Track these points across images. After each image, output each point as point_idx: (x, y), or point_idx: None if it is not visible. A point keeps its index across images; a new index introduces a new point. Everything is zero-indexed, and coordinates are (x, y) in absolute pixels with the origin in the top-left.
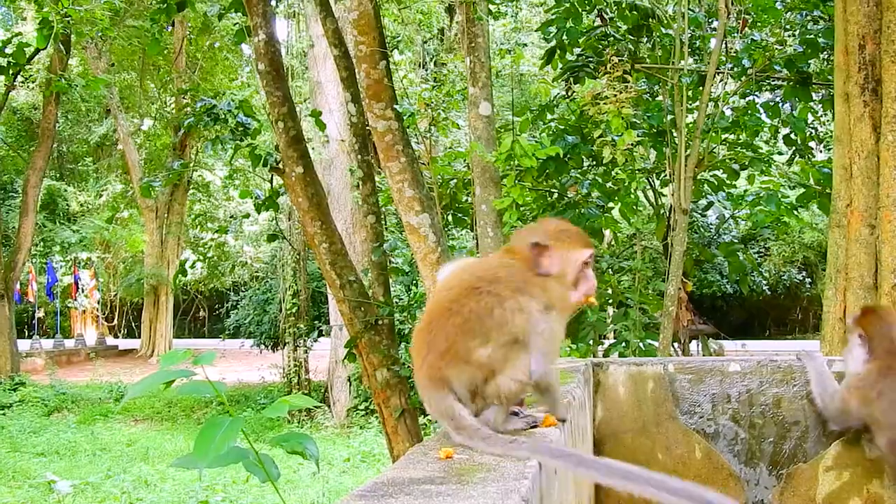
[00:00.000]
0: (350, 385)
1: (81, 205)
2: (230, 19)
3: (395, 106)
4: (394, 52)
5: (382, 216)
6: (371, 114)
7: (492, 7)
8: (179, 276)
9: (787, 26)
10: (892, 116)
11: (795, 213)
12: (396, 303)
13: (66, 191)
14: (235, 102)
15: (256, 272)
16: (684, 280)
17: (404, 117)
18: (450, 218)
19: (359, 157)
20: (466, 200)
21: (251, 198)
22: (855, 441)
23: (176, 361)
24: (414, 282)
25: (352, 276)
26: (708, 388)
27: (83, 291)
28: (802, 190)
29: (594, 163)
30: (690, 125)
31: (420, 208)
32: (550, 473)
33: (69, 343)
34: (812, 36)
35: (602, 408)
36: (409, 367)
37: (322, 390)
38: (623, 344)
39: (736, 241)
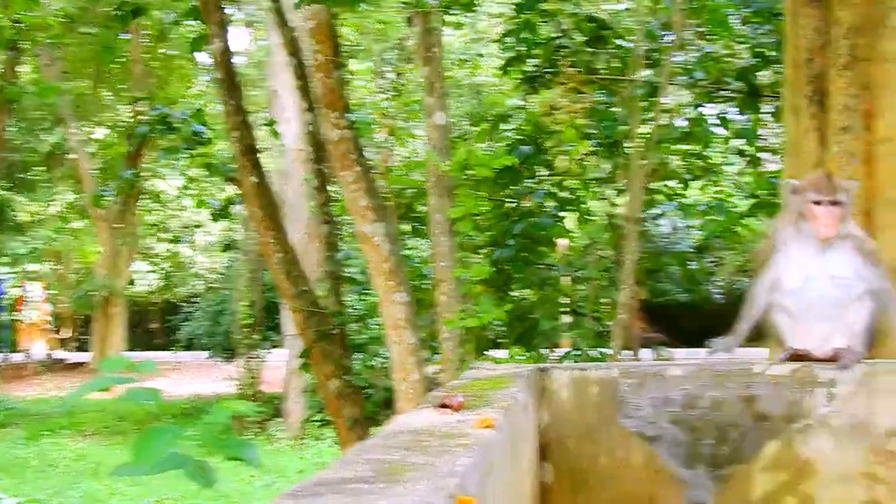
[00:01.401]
0: (304, 396)
1: (32, 215)
2: (186, 27)
3: (350, 115)
4: (352, 62)
5: (338, 226)
6: (326, 122)
7: (451, 18)
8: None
9: (740, 39)
10: (837, 129)
11: (746, 222)
12: (350, 312)
13: (15, 201)
14: (190, 111)
15: (211, 283)
16: (637, 289)
17: (361, 126)
18: (405, 227)
19: (314, 166)
20: (422, 210)
21: (207, 208)
22: (790, 441)
23: (115, 368)
24: (367, 291)
25: (305, 286)
26: (650, 392)
27: (31, 304)
28: (753, 200)
29: (549, 173)
30: (644, 136)
31: (374, 217)
32: (485, 470)
33: (16, 357)
34: (763, 49)
35: (547, 413)
36: (362, 376)
37: (276, 402)
38: (576, 352)
39: (689, 250)
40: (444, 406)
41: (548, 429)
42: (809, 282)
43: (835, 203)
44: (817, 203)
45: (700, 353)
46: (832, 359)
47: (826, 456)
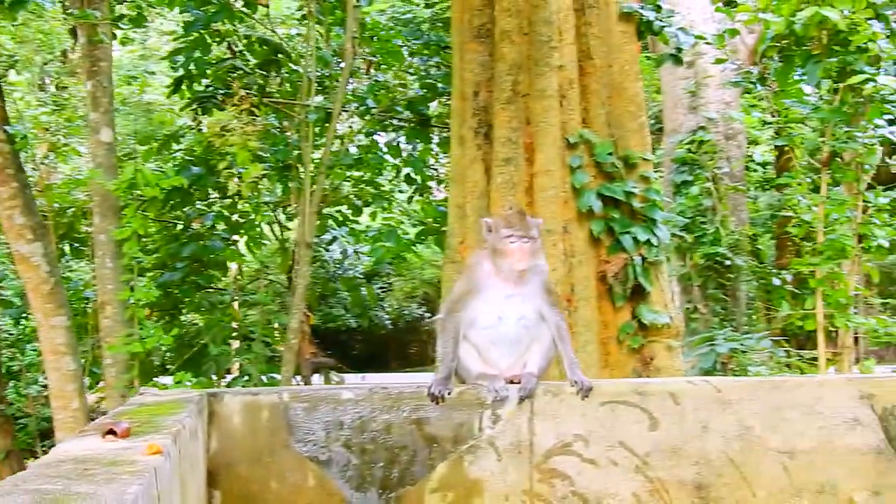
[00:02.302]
0: None
1: None
2: None
3: (7, 128)
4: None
5: None
6: None
7: (119, 32)
8: None
9: (410, 70)
10: (501, 160)
11: (415, 248)
12: (4, 338)
13: None
14: None
15: None
16: (308, 313)
17: (19, 141)
18: (66, 248)
19: None
20: (86, 231)
21: None
22: (458, 462)
23: None
24: (24, 315)
25: None
26: (322, 415)
27: None
28: (422, 227)
29: (220, 195)
30: (316, 161)
31: (32, 237)
32: (153, 498)
33: None
34: (432, 80)
35: (216, 438)
36: (15, 405)
37: None
38: (245, 377)
39: (359, 276)
40: (109, 433)
41: (217, 455)
42: (500, 322)
43: (527, 238)
44: (510, 238)
45: (369, 377)
46: (513, 382)
47: (492, 475)
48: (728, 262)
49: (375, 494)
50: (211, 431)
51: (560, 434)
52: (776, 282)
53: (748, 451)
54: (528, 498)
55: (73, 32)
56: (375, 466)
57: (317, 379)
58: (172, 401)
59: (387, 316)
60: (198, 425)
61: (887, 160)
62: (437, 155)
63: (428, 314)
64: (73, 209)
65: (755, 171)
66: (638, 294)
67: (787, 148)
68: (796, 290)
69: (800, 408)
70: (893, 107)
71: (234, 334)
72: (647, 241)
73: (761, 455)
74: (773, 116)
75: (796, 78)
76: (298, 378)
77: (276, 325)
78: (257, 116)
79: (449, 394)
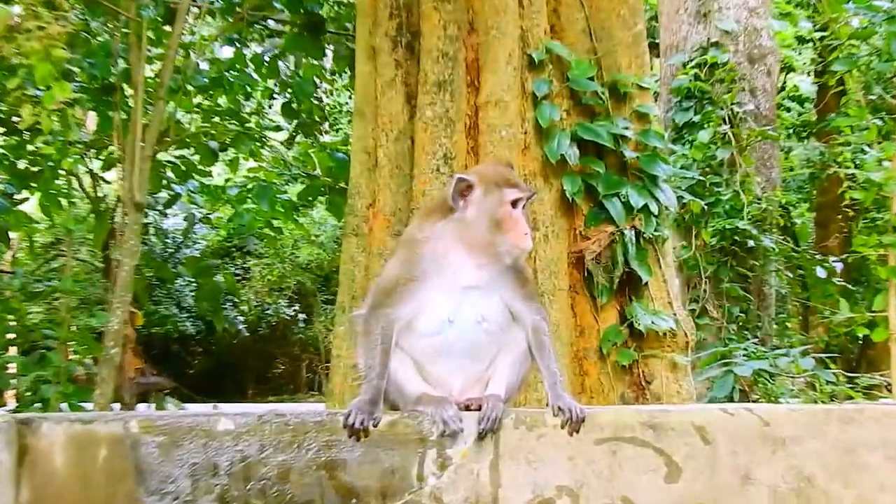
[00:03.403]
0: None
1: None
2: None
3: None
4: None
5: None
6: None
7: None
8: None
9: None
10: (432, 84)
11: (296, 216)
12: None
13: None
14: None
15: None
16: (134, 311)
17: None
18: None
19: None
20: None
21: None
22: None
23: None
24: None
25: None
26: (187, 455)
27: None
28: (307, 183)
29: (4, 129)
30: (152, 81)
31: None
32: None
33: None
34: None
35: (29, 487)
36: None
37: None
38: (38, 404)
39: (210, 255)
40: None
41: None
42: (452, 323)
43: (531, 199)
44: (519, 203)
45: (223, 407)
46: (469, 408)
47: None
48: (751, 243)
49: None
50: (22, 476)
51: (538, 486)
52: (820, 272)
53: None
54: None
55: None
56: None
57: (144, 408)
58: None
59: (240, 317)
60: (7, 464)
61: None
62: (332, 76)
63: (303, 315)
64: None
65: (790, 110)
66: (630, 286)
67: (839, 76)
68: (849, 285)
69: (882, 449)
70: None
71: (17, 339)
72: (645, 208)
73: None
74: (821, 32)
75: None
76: (118, 406)
77: (84, 326)
78: (65, 12)
79: (375, 425)
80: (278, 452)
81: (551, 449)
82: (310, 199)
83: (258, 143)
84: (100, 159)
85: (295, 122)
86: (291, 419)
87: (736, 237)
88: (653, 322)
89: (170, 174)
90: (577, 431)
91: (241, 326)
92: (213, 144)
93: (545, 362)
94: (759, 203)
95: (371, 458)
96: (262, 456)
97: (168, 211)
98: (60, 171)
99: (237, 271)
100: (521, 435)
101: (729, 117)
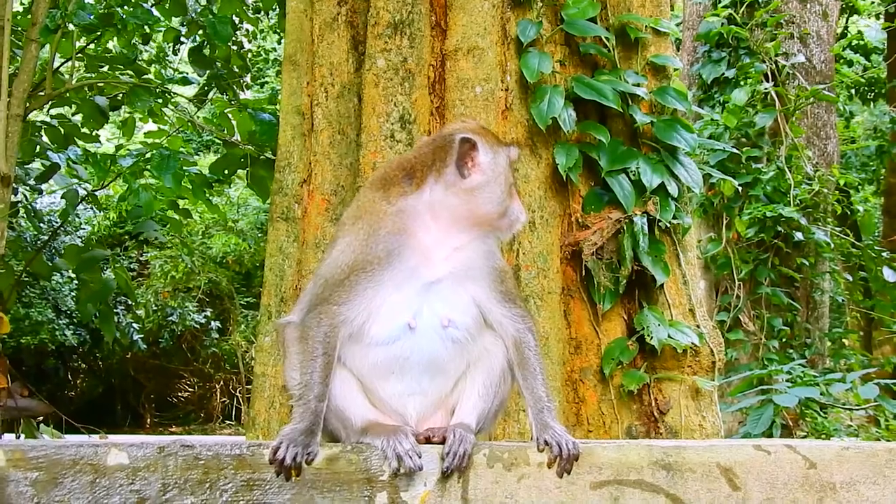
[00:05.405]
0: None
1: None
2: None
3: None
4: None
5: None
6: None
7: None
8: None
9: None
10: (385, 24)
11: (207, 194)
12: None
13: None
14: None
15: None
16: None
17: None
18: None
19: None
20: None
21: None
22: None
23: None
24: None
25: None
26: (69, 496)
27: None
28: (221, 154)
29: None
30: (22, 19)
31: None
32: None
33: None
34: None
35: None
36: None
37: None
38: None
39: (96, 244)
40: None
41: None
42: (411, 331)
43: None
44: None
45: (115, 438)
46: (430, 440)
47: None
48: (798, 236)
49: None
50: None
51: None
52: (888, 274)
53: None
54: None
55: None
56: None
57: (10, 439)
58: None
59: (135, 325)
60: None
61: None
62: (256, 14)
63: (217, 323)
64: None
65: (853, 63)
66: (640, 289)
67: None
68: None
69: None
70: None
71: None
72: (661, 189)
73: None
74: None
75: None
76: None
77: None
78: None
79: (310, 461)
80: (185, 494)
81: (535, 494)
82: (226, 172)
83: (159, 101)
84: None
85: (207, 73)
86: (203, 452)
87: (779, 228)
88: (669, 336)
89: (45, 139)
90: (569, 472)
91: (136, 337)
92: (102, 101)
93: (529, 384)
94: (809, 184)
95: (304, 503)
96: (165, 498)
97: (43, 186)
98: None
99: (132, 266)
100: (496, 475)
101: (772, 72)
